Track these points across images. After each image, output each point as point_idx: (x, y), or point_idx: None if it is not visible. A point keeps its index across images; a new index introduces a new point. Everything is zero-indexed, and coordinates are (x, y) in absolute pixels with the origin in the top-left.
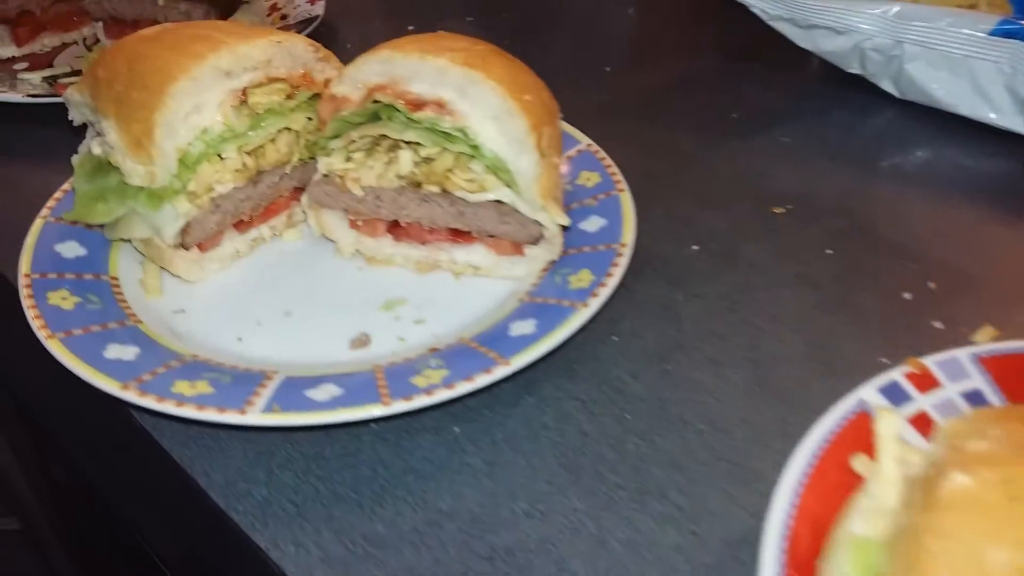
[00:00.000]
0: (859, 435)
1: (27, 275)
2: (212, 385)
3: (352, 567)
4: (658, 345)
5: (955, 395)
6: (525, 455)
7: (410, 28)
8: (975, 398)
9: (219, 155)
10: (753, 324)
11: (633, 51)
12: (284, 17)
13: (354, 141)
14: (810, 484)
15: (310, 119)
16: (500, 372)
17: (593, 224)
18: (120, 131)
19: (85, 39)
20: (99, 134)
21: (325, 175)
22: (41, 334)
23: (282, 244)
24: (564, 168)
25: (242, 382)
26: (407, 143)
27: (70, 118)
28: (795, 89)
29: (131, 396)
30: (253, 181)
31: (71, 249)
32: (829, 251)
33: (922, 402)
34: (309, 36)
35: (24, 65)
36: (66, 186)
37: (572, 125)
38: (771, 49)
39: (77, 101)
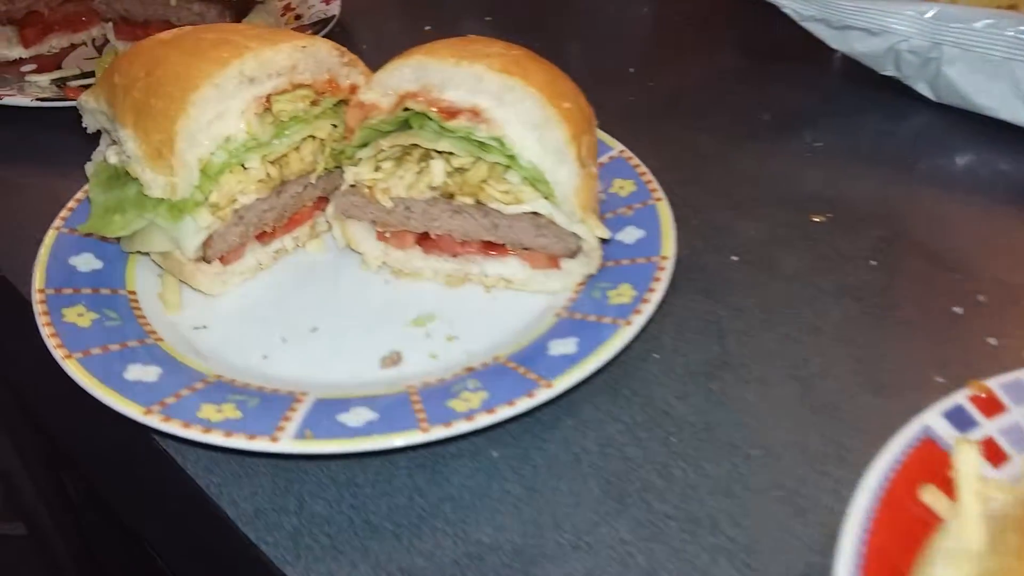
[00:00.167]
0: (926, 464)
1: (41, 290)
2: (239, 408)
3: None
4: (701, 363)
5: (1023, 420)
6: (567, 481)
7: (427, 28)
8: None
9: (242, 165)
10: (798, 339)
11: (655, 51)
12: (299, 17)
13: (383, 150)
14: (878, 520)
15: (335, 126)
16: (543, 395)
17: (630, 235)
18: (139, 141)
19: (94, 40)
20: (115, 142)
21: (352, 185)
22: (58, 354)
23: (305, 255)
24: None
25: (271, 405)
26: (439, 153)
27: (84, 125)
28: (825, 91)
29: (155, 422)
30: (277, 191)
31: (86, 262)
32: (872, 262)
33: (989, 428)
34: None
35: (32, 67)
36: (80, 195)
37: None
38: (794, 49)
39: (92, 108)
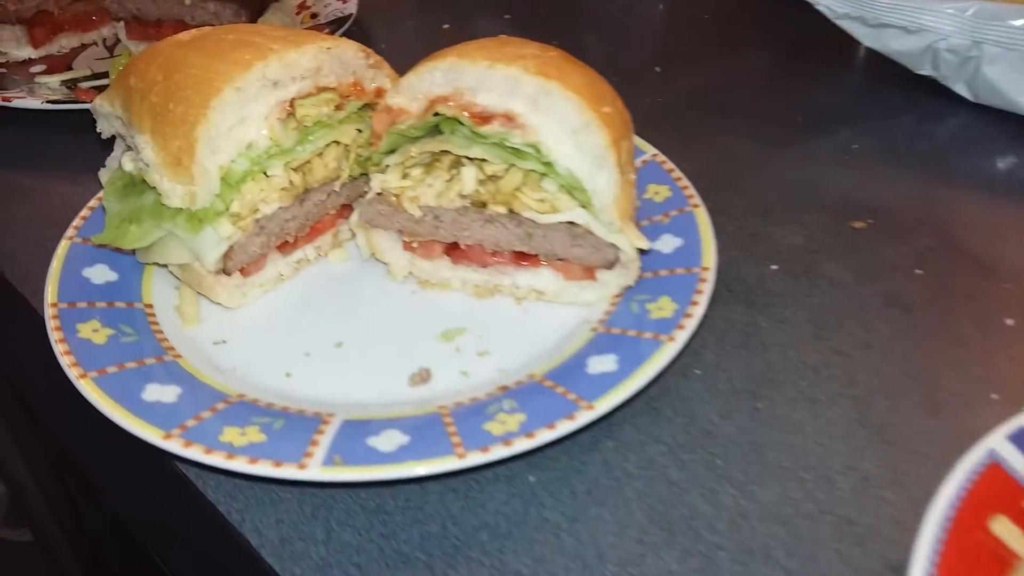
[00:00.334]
0: (994, 492)
1: (54, 304)
2: (264, 432)
3: None
4: (745, 379)
5: None
6: (610, 508)
7: (445, 27)
8: None
9: (264, 173)
10: (845, 353)
11: (678, 49)
12: (315, 16)
13: (412, 157)
14: (947, 553)
15: (360, 131)
16: (584, 418)
17: (667, 244)
18: (157, 147)
19: (105, 40)
20: (131, 148)
21: (379, 193)
22: (72, 373)
23: (328, 266)
24: None
25: (297, 428)
26: (471, 159)
27: (98, 130)
28: (856, 91)
29: (175, 447)
30: (299, 200)
31: (100, 274)
32: (918, 271)
33: None
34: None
35: (41, 67)
36: (93, 203)
37: None
38: (817, 46)
39: (106, 112)
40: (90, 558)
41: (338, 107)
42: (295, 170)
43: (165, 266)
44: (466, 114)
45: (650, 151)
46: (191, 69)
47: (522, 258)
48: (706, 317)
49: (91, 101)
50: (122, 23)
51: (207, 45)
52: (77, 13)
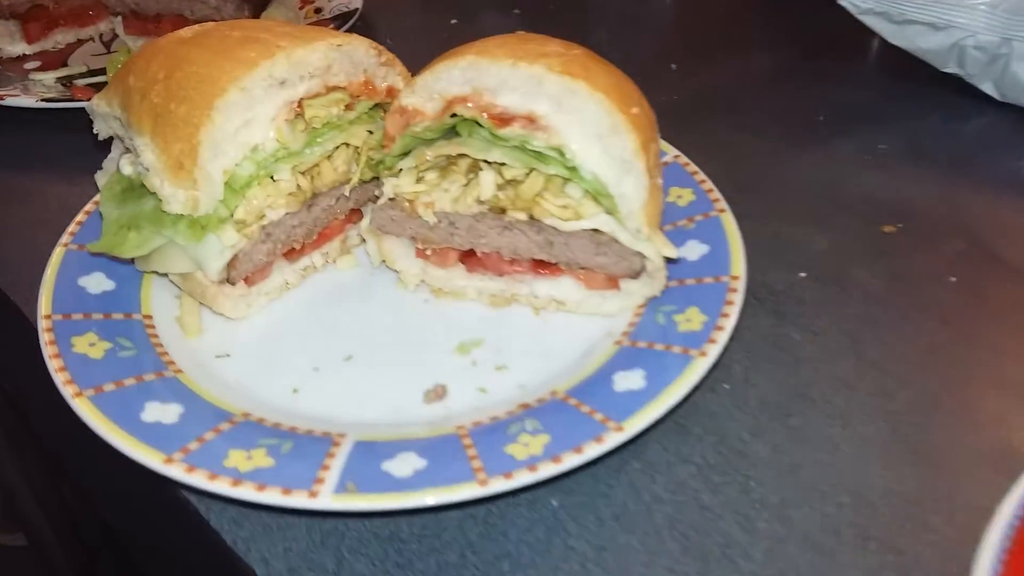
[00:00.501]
0: None
1: (48, 316)
2: (271, 455)
3: None
4: (777, 394)
5: None
6: (639, 536)
7: (453, 21)
8: None
9: (271, 177)
10: (880, 367)
11: (692, 46)
12: (319, 11)
13: (427, 160)
14: None
15: (371, 133)
16: (613, 440)
17: (693, 251)
18: (157, 150)
19: (102, 35)
20: (129, 151)
21: (391, 198)
22: (67, 391)
23: (336, 273)
24: None
25: (306, 450)
26: (489, 163)
27: (95, 131)
28: (877, 89)
29: (177, 472)
30: (307, 205)
31: (97, 283)
32: (952, 278)
33: None
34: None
35: (36, 64)
36: (89, 207)
37: None
38: (830, 42)
39: (104, 112)
40: (85, 565)
41: (348, 107)
42: (303, 174)
43: (165, 275)
44: (485, 115)
45: (672, 152)
46: (194, 67)
47: (541, 266)
48: (735, 328)
49: (87, 99)
50: (120, 18)
51: (211, 42)
52: (73, 7)
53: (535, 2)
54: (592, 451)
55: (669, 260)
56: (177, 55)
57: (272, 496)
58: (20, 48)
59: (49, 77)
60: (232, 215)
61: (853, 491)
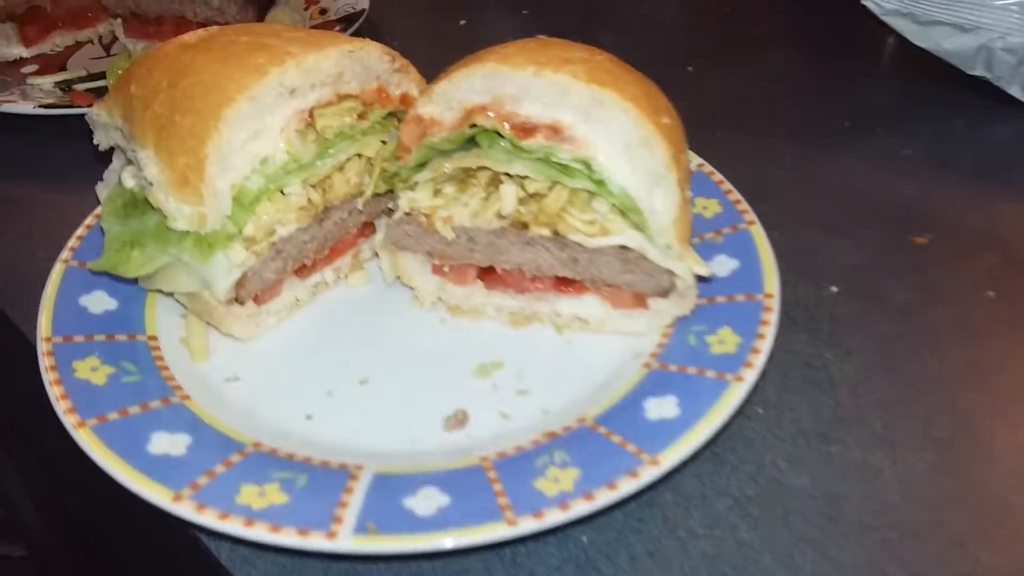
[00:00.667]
0: None
1: (48, 338)
2: (285, 490)
3: None
4: (814, 419)
5: None
6: (675, 575)
7: (462, 22)
8: None
9: (281, 191)
10: (922, 388)
11: (706, 47)
12: (324, 12)
13: (444, 173)
14: None
15: (384, 143)
16: (649, 475)
17: (723, 266)
18: (161, 164)
19: (101, 38)
20: (131, 162)
21: (407, 213)
22: (68, 421)
23: (347, 289)
24: None
25: (323, 485)
26: (511, 176)
27: (95, 142)
28: (899, 91)
29: (187, 511)
30: (319, 219)
31: (98, 301)
32: (990, 292)
33: None
34: (352, 35)
35: (33, 68)
36: (90, 220)
37: None
38: (845, 43)
39: (105, 123)
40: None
41: (361, 116)
42: (314, 187)
43: (170, 294)
44: (507, 126)
45: (695, 160)
46: (200, 76)
47: (564, 284)
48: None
49: (87, 105)
50: (119, 20)
51: (217, 48)
52: (71, 9)
53: (544, 1)
54: (627, 487)
55: (700, 278)
56: (181, 62)
57: (288, 537)
58: (17, 51)
59: (47, 81)
60: (241, 232)
61: (899, 525)
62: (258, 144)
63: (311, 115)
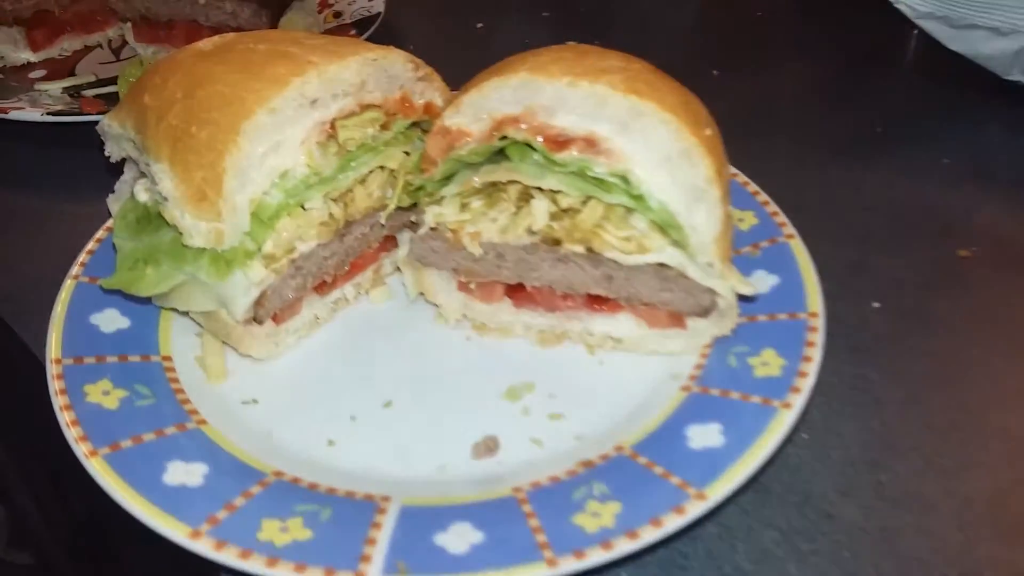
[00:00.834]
0: None
1: (58, 360)
2: (309, 525)
3: None
4: (862, 445)
5: None
6: None
7: (479, 25)
8: None
9: (301, 206)
10: (974, 413)
11: (732, 51)
12: (338, 15)
13: (473, 187)
14: None
15: (407, 154)
16: (695, 511)
17: (762, 282)
18: (177, 178)
19: (110, 42)
20: (144, 174)
21: (433, 228)
22: (80, 450)
23: (368, 306)
24: None
25: (349, 519)
26: (542, 190)
27: (106, 153)
28: (934, 98)
29: (205, 549)
30: (340, 235)
31: (110, 320)
32: None
33: None
34: (367, 39)
35: (41, 73)
36: (100, 234)
37: None
38: (867, 47)
39: (116, 134)
40: None
41: (383, 127)
42: (335, 201)
43: (185, 312)
44: (540, 138)
45: (729, 169)
46: (217, 86)
47: (597, 302)
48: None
49: (96, 112)
50: (129, 24)
51: (234, 57)
52: (80, 13)
53: (565, 3)
54: (672, 524)
55: (741, 296)
56: (197, 72)
57: None
58: (25, 56)
59: (55, 87)
60: (259, 249)
61: (957, 562)
62: (278, 157)
63: (333, 126)
